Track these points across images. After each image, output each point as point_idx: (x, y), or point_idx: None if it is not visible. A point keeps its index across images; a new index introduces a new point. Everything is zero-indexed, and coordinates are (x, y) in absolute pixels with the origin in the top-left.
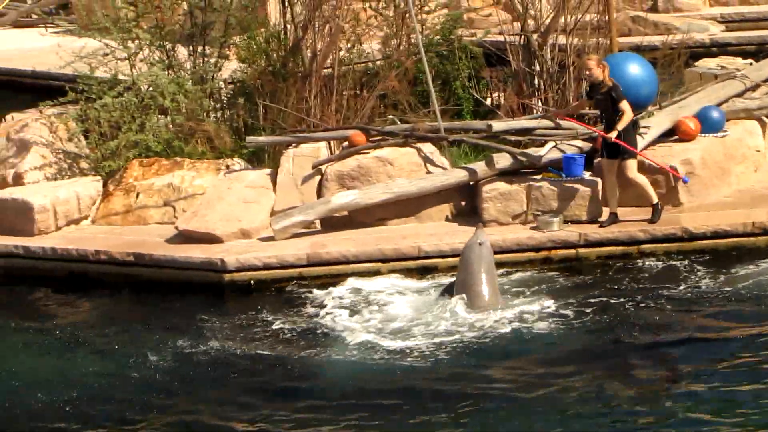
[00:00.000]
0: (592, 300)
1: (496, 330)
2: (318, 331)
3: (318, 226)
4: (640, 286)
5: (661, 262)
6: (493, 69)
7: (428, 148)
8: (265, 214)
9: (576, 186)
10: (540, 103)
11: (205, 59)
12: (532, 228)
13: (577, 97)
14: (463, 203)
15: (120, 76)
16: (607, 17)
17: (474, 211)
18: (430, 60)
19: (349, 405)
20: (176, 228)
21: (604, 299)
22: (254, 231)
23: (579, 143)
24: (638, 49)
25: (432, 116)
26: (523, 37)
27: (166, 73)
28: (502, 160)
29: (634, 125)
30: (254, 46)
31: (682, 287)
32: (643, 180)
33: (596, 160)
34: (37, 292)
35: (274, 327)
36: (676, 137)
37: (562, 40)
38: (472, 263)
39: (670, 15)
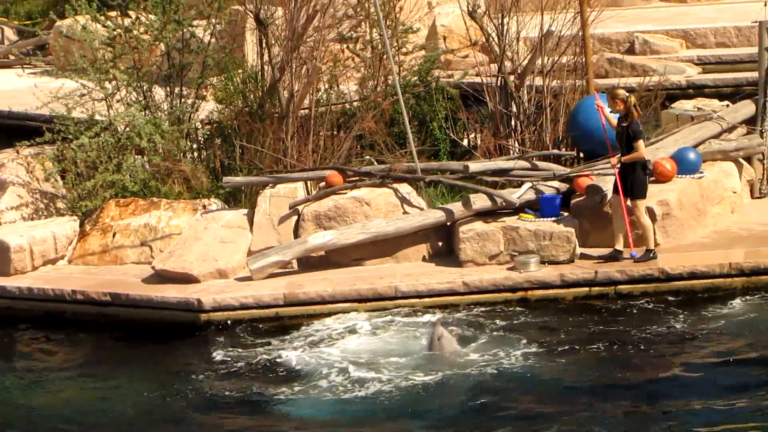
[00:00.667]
0: (569, 340)
1: (473, 369)
2: (294, 370)
3: (295, 266)
4: (618, 326)
5: (638, 303)
6: (470, 110)
7: (405, 188)
8: (241, 254)
9: (553, 226)
10: (517, 144)
11: (182, 100)
12: (509, 268)
13: (553, 139)
14: (440, 243)
15: (97, 117)
16: (584, 59)
17: (451, 251)
18: (407, 101)
19: None
20: (153, 268)
21: (581, 339)
22: (231, 271)
23: (556, 184)
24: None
25: (409, 157)
26: (500, 78)
27: (143, 113)
28: (479, 201)
29: (644, 168)
30: (231, 87)
31: (658, 327)
32: (648, 224)
33: (573, 201)
34: (13, 332)
35: (250, 366)
36: (653, 178)
37: (539, 81)
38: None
39: (646, 57)
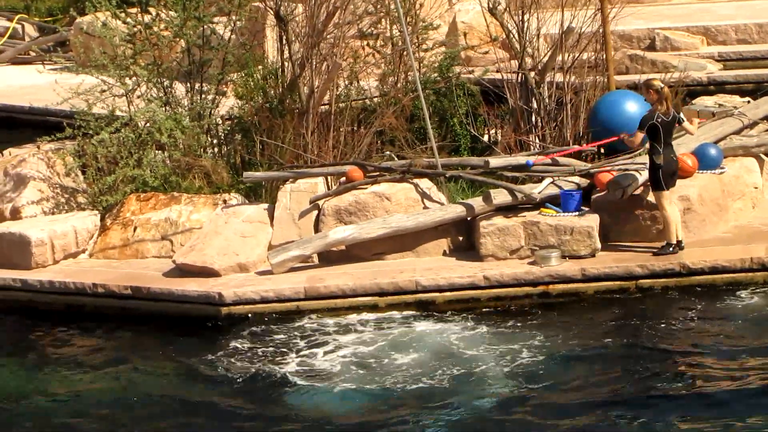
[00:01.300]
0: (590, 334)
1: (491, 363)
2: (314, 364)
3: (316, 260)
4: (638, 320)
5: (658, 297)
6: (491, 106)
7: (426, 183)
8: (262, 249)
9: (574, 221)
10: (537, 140)
11: (203, 96)
12: (530, 263)
13: (574, 135)
14: (461, 238)
15: (117, 113)
16: (604, 55)
17: (471, 246)
18: (427, 97)
19: None
20: (173, 262)
21: (602, 333)
22: (251, 265)
23: (576, 179)
24: (636, 87)
25: (429, 152)
26: (520, 74)
27: (164, 109)
28: (500, 196)
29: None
30: (252, 83)
31: (679, 322)
32: (668, 217)
33: (594, 196)
34: (34, 326)
35: (270, 360)
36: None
37: (559, 78)
38: None
39: (667, 53)
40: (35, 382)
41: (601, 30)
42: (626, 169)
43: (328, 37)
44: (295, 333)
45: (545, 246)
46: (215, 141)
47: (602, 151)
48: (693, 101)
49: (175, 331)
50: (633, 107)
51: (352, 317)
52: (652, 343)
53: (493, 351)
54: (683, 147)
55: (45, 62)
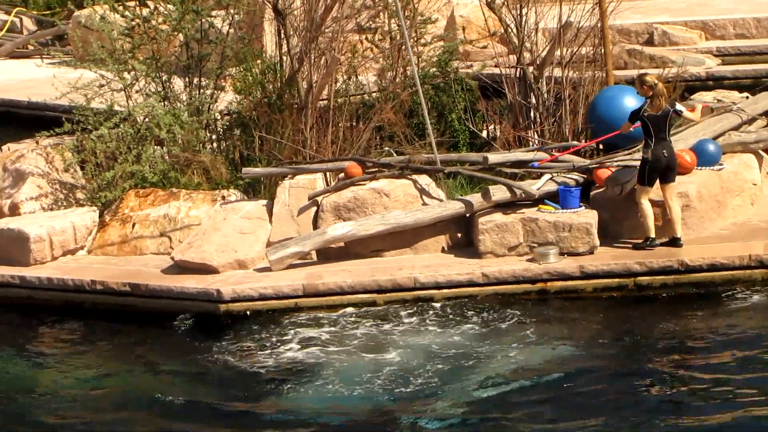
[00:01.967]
0: (589, 331)
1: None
2: (312, 360)
3: (314, 257)
4: (637, 317)
5: (657, 294)
6: (489, 101)
7: (424, 179)
8: (261, 245)
9: (573, 218)
10: (536, 136)
11: (201, 90)
12: (529, 260)
13: (573, 130)
14: (459, 235)
15: (116, 108)
16: (603, 50)
17: (470, 242)
18: (426, 92)
19: None
20: (172, 258)
21: (600, 330)
22: (250, 262)
23: (575, 176)
24: (634, 83)
25: (428, 148)
26: (519, 69)
27: (162, 104)
28: (498, 193)
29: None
30: (250, 78)
31: (677, 319)
32: (644, 211)
33: (592, 192)
34: (33, 322)
35: (269, 356)
36: None
37: (558, 72)
38: None
39: (666, 48)
40: (33, 379)
41: (599, 24)
42: (625, 165)
43: (327, 31)
44: (294, 330)
45: (544, 243)
46: (214, 136)
47: (600, 147)
48: (691, 96)
49: (173, 327)
50: (631, 102)
51: (351, 314)
52: (650, 340)
53: (491, 348)
54: (681, 143)
55: (43, 56)
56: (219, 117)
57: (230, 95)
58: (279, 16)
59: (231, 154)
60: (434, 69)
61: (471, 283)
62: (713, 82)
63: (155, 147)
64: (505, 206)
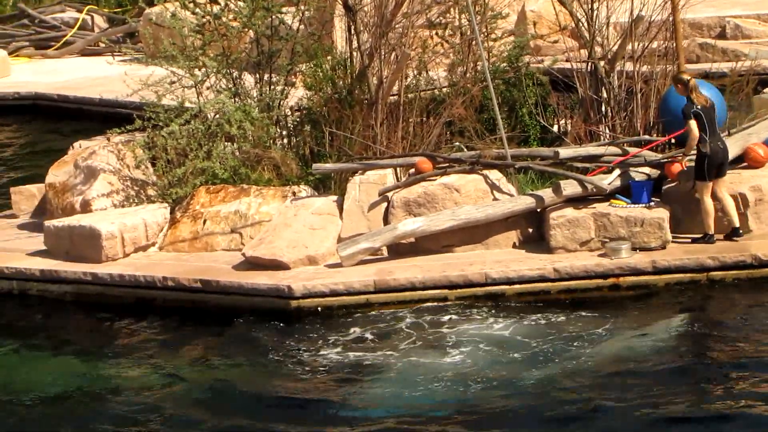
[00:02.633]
0: (659, 326)
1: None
2: (384, 359)
3: (385, 252)
4: (709, 313)
5: (730, 289)
6: (560, 96)
7: (495, 175)
8: (331, 241)
9: (644, 213)
10: (607, 130)
11: (272, 87)
12: (600, 255)
13: (644, 125)
14: (530, 230)
15: (187, 104)
16: (674, 44)
17: (541, 237)
18: (496, 87)
19: None
20: (243, 255)
21: (672, 325)
22: (321, 258)
23: (646, 170)
24: (706, 76)
25: (498, 143)
26: (590, 64)
27: (233, 100)
28: (570, 187)
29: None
30: (320, 74)
31: (750, 314)
32: (706, 207)
33: (664, 187)
34: (105, 319)
35: (340, 353)
36: (744, 164)
37: (629, 67)
38: None
39: (738, 42)
40: (106, 377)
41: (671, 18)
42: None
43: (397, 26)
44: (366, 326)
45: (615, 238)
46: (284, 132)
47: (673, 141)
48: (764, 90)
49: (244, 324)
50: None
51: (422, 310)
52: (722, 337)
53: (562, 344)
54: (754, 137)
55: (114, 53)
56: (289, 113)
57: (300, 91)
58: (349, 12)
59: (301, 150)
60: (505, 64)
61: (542, 279)
62: None
63: (226, 143)
64: (576, 201)
